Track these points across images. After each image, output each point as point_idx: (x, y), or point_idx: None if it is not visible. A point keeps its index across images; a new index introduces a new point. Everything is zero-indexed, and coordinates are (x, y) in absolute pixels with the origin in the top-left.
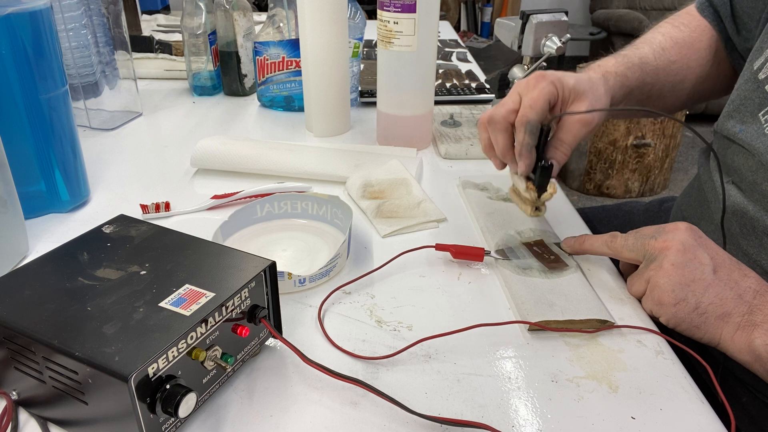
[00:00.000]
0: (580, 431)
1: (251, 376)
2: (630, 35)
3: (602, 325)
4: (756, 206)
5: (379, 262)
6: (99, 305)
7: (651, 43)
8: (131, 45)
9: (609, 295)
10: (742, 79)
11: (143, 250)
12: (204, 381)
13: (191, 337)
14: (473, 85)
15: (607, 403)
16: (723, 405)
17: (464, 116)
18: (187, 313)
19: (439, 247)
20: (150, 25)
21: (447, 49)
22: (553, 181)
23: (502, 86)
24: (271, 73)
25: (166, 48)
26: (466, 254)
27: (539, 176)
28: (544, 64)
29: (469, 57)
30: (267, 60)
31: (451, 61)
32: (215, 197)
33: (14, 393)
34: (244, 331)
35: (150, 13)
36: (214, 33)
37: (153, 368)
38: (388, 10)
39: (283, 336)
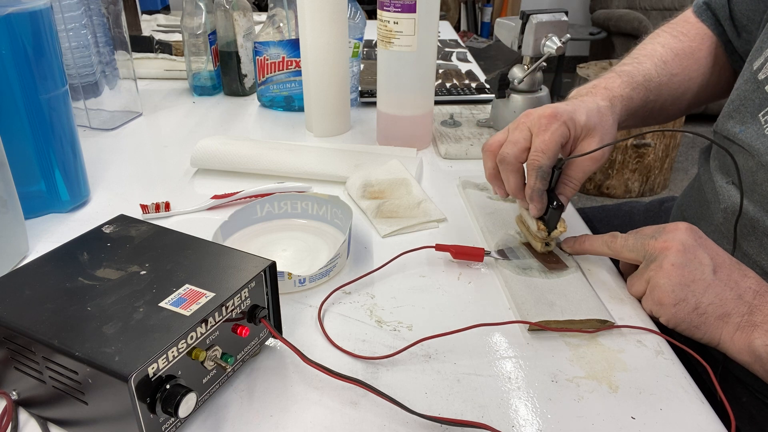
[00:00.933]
0: (580, 431)
1: (251, 376)
2: (630, 35)
3: (602, 325)
4: (756, 207)
5: (379, 262)
6: (99, 305)
7: (653, 58)
8: (131, 45)
9: (609, 295)
10: (742, 80)
11: (143, 250)
12: (204, 381)
13: (191, 337)
14: (473, 85)
15: (607, 403)
16: (723, 405)
17: (464, 116)
18: (187, 313)
19: (439, 247)
20: (150, 25)
21: (447, 49)
22: (562, 217)
23: (502, 86)
24: (271, 73)
25: (166, 48)
26: (466, 254)
27: (550, 217)
28: (544, 64)
29: (469, 57)
30: (267, 60)
31: (451, 61)
32: (215, 197)
33: (14, 393)
34: (244, 331)
35: (150, 13)
36: (214, 33)
37: (153, 368)
38: (388, 10)
39: (283, 336)
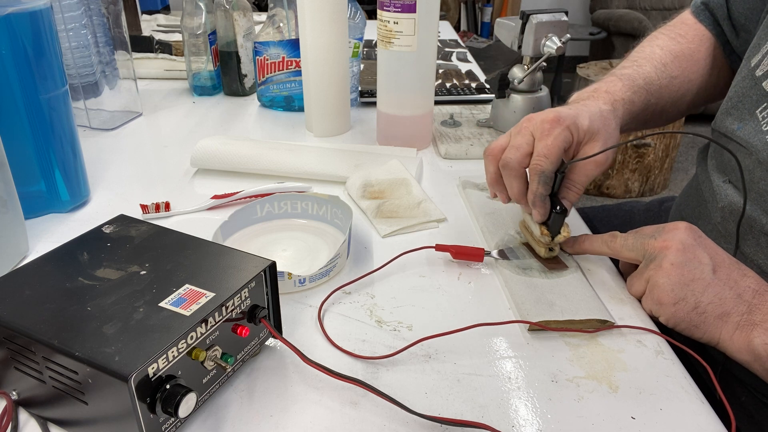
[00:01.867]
0: (580, 431)
1: (251, 376)
2: (630, 35)
3: (602, 325)
4: (753, 205)
5: (379, 262)
6: (99, 305)
7: (652, 60)
8: (131, 45)
9: (609, 295)
10: (740, 76)
11: (143, 250)
12: (204, 381)
13: (191, 337)
14: (473, 85)
15: (607, 403)
16: (723, 405)
17: (464, 116)
18: (187, 313)
19: (439, 247)
20: (150, 25)
21: (447, 49)
22: (566, 222)
23: (502, 86)
24: (271, 73)
25: (166, 48)
26: (466, 254)
27: (553, 222)
28: (544, 64)
29: (469, 57)
30: (267, 60)
31: (451, 61)
32: (215, 197)
33: (14, 393)
34: (244, 331)
35: (150, 13)
36: (214, 33)
37: (153, 368)
38: (388, 10)
39: (283, 336)
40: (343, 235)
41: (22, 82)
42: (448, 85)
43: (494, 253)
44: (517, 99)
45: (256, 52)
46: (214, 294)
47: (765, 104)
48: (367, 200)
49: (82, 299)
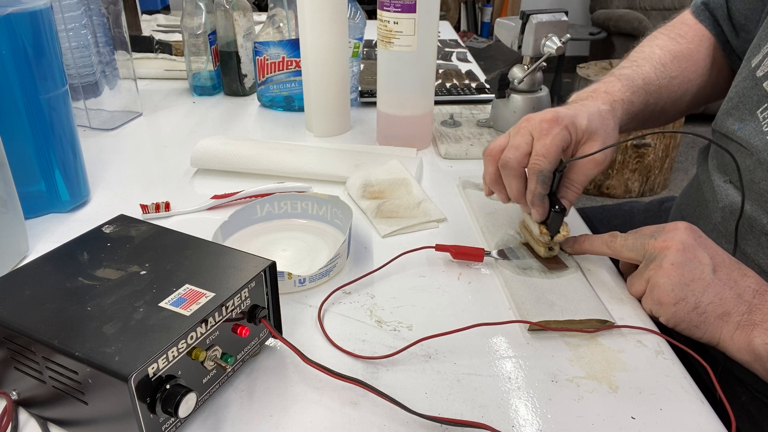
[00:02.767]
0: (580, 431)
1: (251, 376)
2: (630, 35)
3: (602, 325)
4: (753, 205)
5: (379, 262)
6: (99, 305)
7: (651, 61)
8: (131, 45)
9: (609, 295)
10: (740, 77)
11: (143, 250)
12: (204, 381)
13: (191, 337)
14: (473, 85)
15: (607, 403)
16: (723, 405)
17: (464, 116)
18: (187, 313)
19: (439, 247)
20: (150, 25)
21: (447, 49)
22: (565, 221)
23: (502, 86)
24: (271, 73)
25: (166, 48)
26: (466, 254)
27: (552, 221)
28: (544, 64)
29: (469, 57)
30: (267, 60)
31: (451, 61)
32: (215, 197)
33: (14, 393)
34: (244, 331)
35: (150, 13)
36: (214, 33)
37: (153, 368)
38: (388, 10)
39: (283, 336)
40: (343, 235)
41: (22, 82)
42: (448, 85)
43: (494, 253)
44: (517, 99)
45: (256, 52)
46: (214, 294)
47: (766, 105)
48: (367, 200)
49: (82, 299)
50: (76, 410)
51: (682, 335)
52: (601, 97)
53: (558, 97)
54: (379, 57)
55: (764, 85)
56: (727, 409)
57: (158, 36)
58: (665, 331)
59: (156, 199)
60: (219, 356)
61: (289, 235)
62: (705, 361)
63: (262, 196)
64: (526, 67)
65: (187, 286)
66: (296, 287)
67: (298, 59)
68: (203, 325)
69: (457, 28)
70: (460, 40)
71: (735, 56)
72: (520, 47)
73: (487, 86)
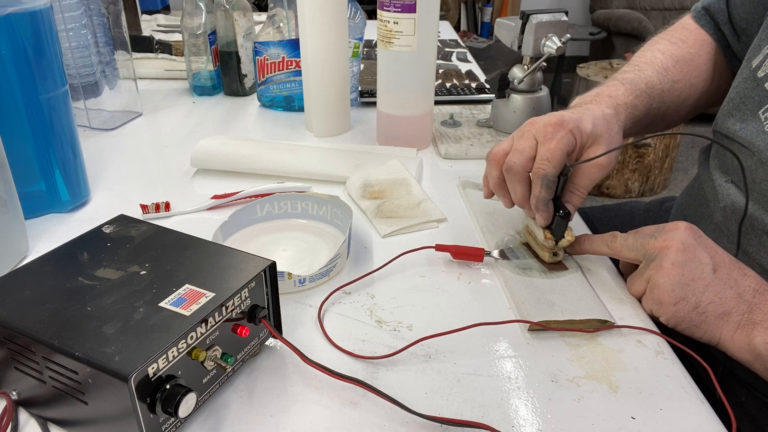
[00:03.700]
0: (580, 431)
1: (251, 376)
2: (630, 35)
3: (602, 325)
4: (755, 205)
5: (379, 262)
6: (99, 305)
7: (654, 65)
8: (131, 45)
9: (609, 295)
10: (741, 77)
11: (143, 250)
12: (204, 381)
13: (191, 337)
14: (473, 85)
15: (607, 403)
16: (723, 405)
17: (464, 116)
18: (187, 313)
19: (439, 247)
20: (150, 25)
21: (447, 49)
22: (570, 225)
23: (502, 86)
24: (271, 73)
25: (166, 48)
26: (466, 254)
27: (557, 226)
28: (544, 64)
29: (469, 57)
30: (267, 60)
31: (451, 61)
32: (215, 197)
33: (14, 393)
34: (244, 331)
35: (150, 13)
36: (214, 33)
37: (153, 368)
38: (388, 10)
39: (283, 336)
40: (343, 235)
41: (22, 82)
42: (448, 85)
43: (494, 253)
44: (517, 99)
45: (256, 52)
46: (214, 294)
47: (767, 105)
48: (367, 200)
49: (82, 299)
50: (76, 410)
51: (682, 335)
52: (605, 101)
53: (558, 97)
54: (379, 57)
55: (765, 85)
56: (727, 409)
57: (158, 36)
58: (665, 331)
59: (156, 199)
60: (219, 356)
61: (289, 235)
62: (705, 361)
63: (262, 196)
64: (526, 67)
65: (187, 286)
66: (296, 287)
67: (298, 59)
68: (203, 325)
69: (457, 28)
70: (460, 40)
71: (736, 60)
72: (520, 47)
73: (487, 86)
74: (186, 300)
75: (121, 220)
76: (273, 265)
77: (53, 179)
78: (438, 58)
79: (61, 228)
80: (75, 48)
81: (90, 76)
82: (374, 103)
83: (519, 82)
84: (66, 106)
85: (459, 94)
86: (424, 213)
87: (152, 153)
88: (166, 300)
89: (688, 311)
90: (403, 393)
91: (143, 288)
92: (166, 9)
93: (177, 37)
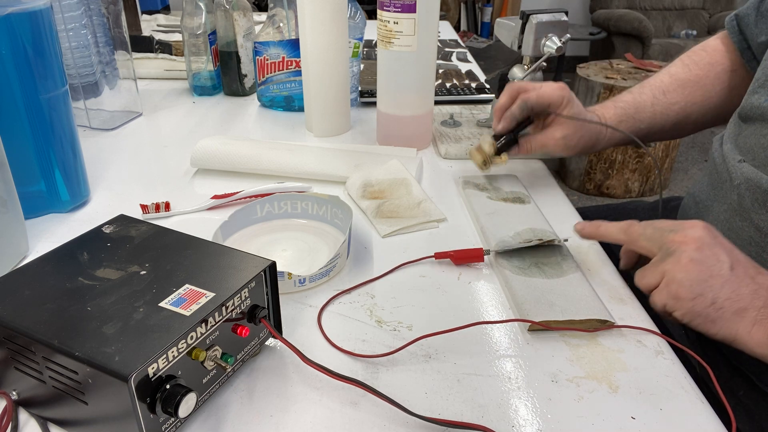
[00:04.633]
0: (580, 431)
1: (251, 376)
2: (630, 35)
3: (602, 325)
4: None
5: (379, 262)
6: (99, 305)
7: (654, 88)
8: (131, 45)
9: (609, 295)
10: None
11: (143, 250)
12: (204, 381)
13: (191, 337)
14: (473, 85)
15: (607, 403)
16: (722, 402)
17: (464, 116)
18: (187, 313)
19: (439, 255)
20: (150, 25)
21: (447, 49)
22: (506, 155)
23: (502, 86)
24: (271, 73)
25: (166, 48)
26: (467, 258)
27: (504, 142)
28: (544, 64)
29: (469, 57)
30: (267, 60)
31: (451, 61)
32: (215, 197)
33: (14, 393)
34: (244, 331)
35: (150, 13)
36: (214, 33)
37: (153, 368)
38: (388, 10)
39: (283, 336)
40: (343, 235)
41: (22, 82)
42: (448, 85)
43: (494, 253)
44: None
45: (256, 52)
46: (214, 294)
47: None
48: (367, 200)
49: (82, 299)
50: (76, 410)
51: (681, 335)
52: (596, 111)
53: None
54: (379, 57)
55: None
56: (727, 409)
57: (158, 36)
58: (665, 331)
59: (156, 199)
60: (219, 356)
61: (289, 235)
62: (705, 361)
63: (262, 196)
64: (526, 67)
65: (187, 286)
66: (296, 287)
67: (298, 59)
68: (203, 325)
69: (457, 28)
70: (460, 40)
71: (755, 63)
72: (520, 47)
73: (487, 86)
74: (186, 300)
75: (121, 220)
76: (273, 265)
77: (53, 179)
78: (438, 58)
79: (61, 228)
80: (75, 48)
81: (90, 76)
82: (374, 103)
83: None
84: (66, 106)
85: (459, 94)
86: (424, 213)
87: (152, 153)
88: (166, 300)
89: (705, 307)
90: (403, 393)
91: (143, 288)
92: (166, 9)
93: (177, 37)
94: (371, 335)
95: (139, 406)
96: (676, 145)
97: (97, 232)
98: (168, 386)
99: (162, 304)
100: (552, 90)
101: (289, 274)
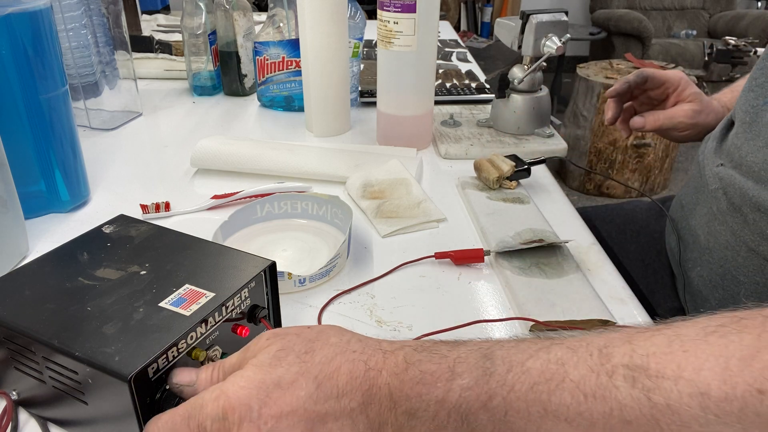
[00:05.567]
0: None
1: None
2: (630, 35)
3: (603, 325)
4: (745, 178)
5: (379, 262)
6: (99, 305)
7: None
8: (131, 45)
9: (609, 295)
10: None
11: (143, 250)
12: None
13: (191, 337)
14: (473, 85)
15: None
16: None
17: (464, 116)
18: (187, 313)
19: (439, 255)
20: (150, 25)
21: (447, 49)
22: (521, 183)
23: (502, 86)
24: (271, 73)
25: (166, 48)
26: (467, 258)
27: (519, 171)
28: (544, 64)
29: (469, 57)
30: (267, 60)
31: (451, 61)
32: (215, 197)
33: (14, 393)
34: (244, 331)
35: (150, 13)
36: (214, 33)
37: (153, 368)
38: (388, 10)
39: None
40: (343, 235)
41: (22, 82)
42: (448, 85)
43: (494, 253)
44: (517, 99)
45: (256, 52)
46: (214, 294)
47: None
48: (367, 200)
49: (82, 299)
50: (76, 410)
51: None
52: (716, 100)
53: (558, 97)
54: (379, 57)
55: None
56: None
57: (158, 36)
58: None
59: (156, 199)
60: (219, 356)
61: (289, 235)
62: None
63: (262, 196)
64: (526, 67)
65: (187, 286)
66: (296, 287)
67: (298, 59)
68: (203, 325)
69: (457, 28)
70: (460, 40)
71: None
72: (520, 47)
73: (487, 86)
74: (186, 300)
75: (121, 220)
76: (273, 265)
77: (53, 179)
78: (438, 58)
79: (61, 228)
80: (75, 48)
81: (90, 76)
82: (374, 103)
83: (519, 82)
84: (66, 106)
85: (459, 94)
86: (424, 213)
87: (152, 153)
88: (166, 300)
89: None
90: None
91: (143, 288)
92: (166, 9)
93: (177, 37)
94: (371, 335)
95: (139, 406)
96: (676, 145)
97: (97, 232)
98: (168, 386)
99: (162, 304)
100: (672, 72)
101: (289, 274)
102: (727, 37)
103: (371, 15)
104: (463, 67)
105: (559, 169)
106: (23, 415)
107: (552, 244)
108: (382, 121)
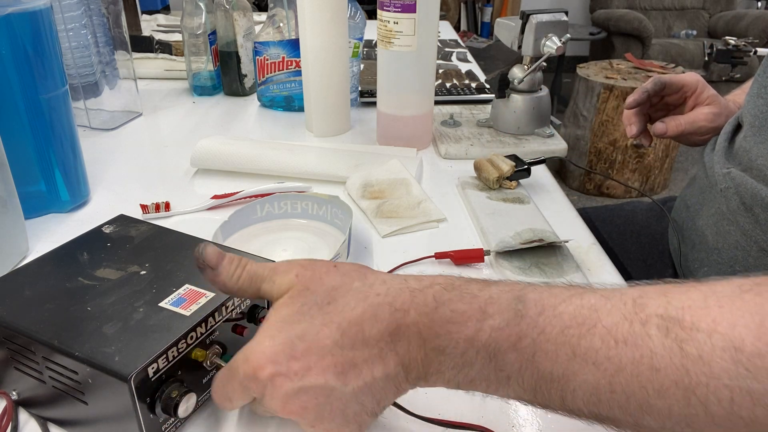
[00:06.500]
0: (580, 431)
1: None
2: (630, 35)
3: None
4: (755, 180)
5: (379, 262)
6: (99, 305)
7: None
8: (131, 45)
9: None
10: None
11: (143, 250)
12: (204, 381)
13: (191, 337)
14: (473, 85)
15: None
16: None
17: (464, 116)
18: (187, 313)
19: (439, 255)
20: (150, 25)
21: (447, 49)
22: (520, 182)
23: (502, 86)
24: (271, 73)
25: (166, 48)
26: (467, 258)
27: (517, 172)
28: (544, 64)
29: (469, 57)
30: (267, 60)
31: (451, 61)
32: (215, 197)
33: (14, 393)
34: (244, 331)
35: (150, 13)
36: (214, 33)
37: (153, 368)
38: (388, 10)
39: None
40: (343, 235)
41: (22, 82)
42: (448, 85)
43: (494, 253)
44: (517, 99)
45: (256, 52)
46: (214, 294)
47: None
48: (367, 200)
49: (82, 299)
50: (76, 410)
51: None
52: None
53: (558, 97)
54: (379, 57)
55: None
56: None
57: (158, 36)
58: None
59: (156, 199)
60: (219, 356)
61: (289, 235)
62: None
63: (262, 196)
64: (526, 67)
65: (187, 286)
66: None
67: (298, 59)
68: (203, 325)
69: (457, 28)
70: (460, 40)
71: None
72: (520, 47)
73: (487, 86)
74: (186, 300)
75: (121, 220)
76: None
77: (53, 179)
78: (438, 58)
79: (61, 228)
80: (75, 48)
81: (90, 76)
82: (374, 103)
83: (519, 82)
84: (66, 106)
85: (459, 94)
86: (424, 213)
87: (152, 153)
88: (166, 300)
89: (351, 417)
90: None
91: (143, 288)
92: (166, 9)
93: (177, 37)
94: None
95: (139, 406)
96: (676, 146)
97: (97, 232)
98: (168, 386)
99: (162, 304)
100: (688, 75)
101: None
102: (727, 37)
103: (371, 15)
104: (463, 67)
105: (559, 169)
106: (23, 415)
107: (552, 243)
108: (382, 121)
